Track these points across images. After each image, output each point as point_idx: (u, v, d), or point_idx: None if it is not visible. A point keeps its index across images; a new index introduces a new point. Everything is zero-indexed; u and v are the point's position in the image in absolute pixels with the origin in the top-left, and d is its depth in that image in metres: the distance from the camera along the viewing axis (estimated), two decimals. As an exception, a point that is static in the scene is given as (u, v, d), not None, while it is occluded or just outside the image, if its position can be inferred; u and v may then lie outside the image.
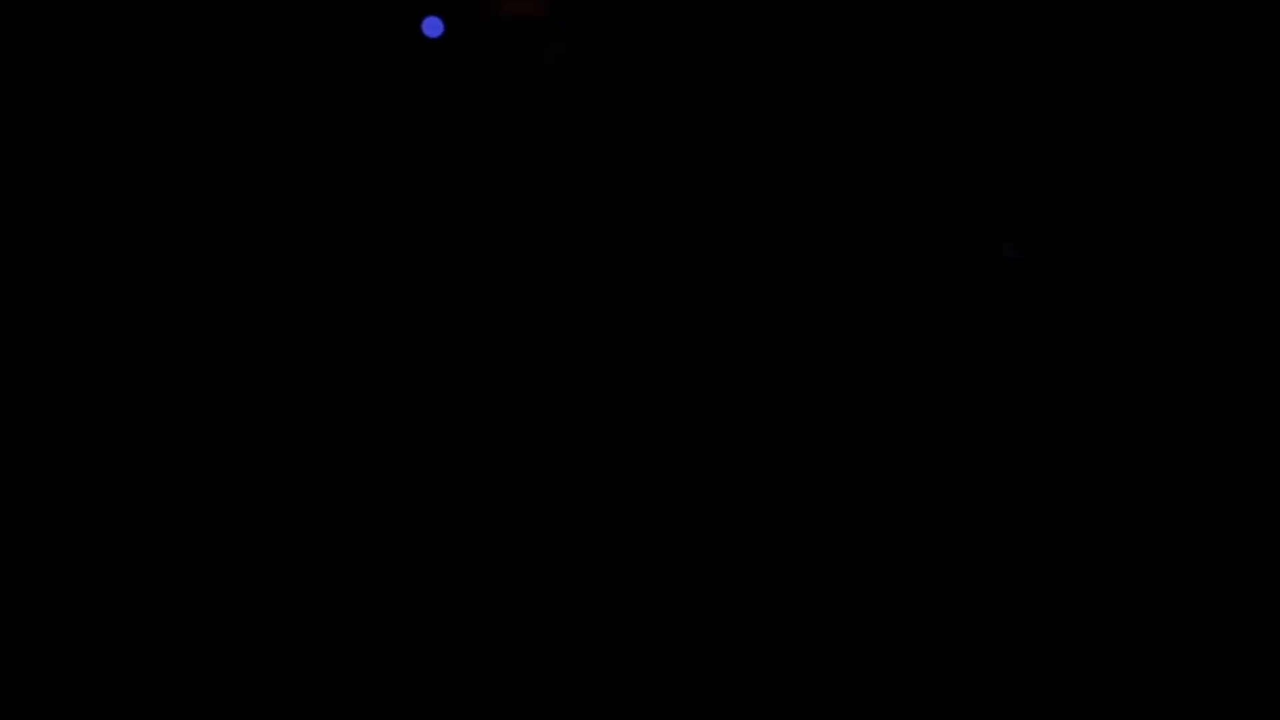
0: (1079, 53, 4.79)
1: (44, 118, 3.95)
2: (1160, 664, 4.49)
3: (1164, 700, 4.43)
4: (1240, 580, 4.58)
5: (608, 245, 4.59)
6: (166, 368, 4.09)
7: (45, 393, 4.05)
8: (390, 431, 3.92)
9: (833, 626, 4.52)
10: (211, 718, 3.69)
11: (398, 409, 3.95)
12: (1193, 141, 4.80)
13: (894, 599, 4.58)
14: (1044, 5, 4.78)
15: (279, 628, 3.67)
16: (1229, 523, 4.64)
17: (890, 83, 4.79)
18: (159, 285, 4.08)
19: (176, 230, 4.03)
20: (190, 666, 3.85)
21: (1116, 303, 4.81)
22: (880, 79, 4.78)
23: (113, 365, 4.03)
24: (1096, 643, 4.54)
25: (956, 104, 4.82)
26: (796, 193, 4.78)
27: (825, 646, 4.49)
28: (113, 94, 3.94)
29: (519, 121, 4.27)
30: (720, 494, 4.60)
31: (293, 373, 3.95)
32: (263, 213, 4.08)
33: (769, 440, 4.65)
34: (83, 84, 3.89)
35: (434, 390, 4.06)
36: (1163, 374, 4.77)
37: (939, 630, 4.52)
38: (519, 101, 4.20)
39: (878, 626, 4.53)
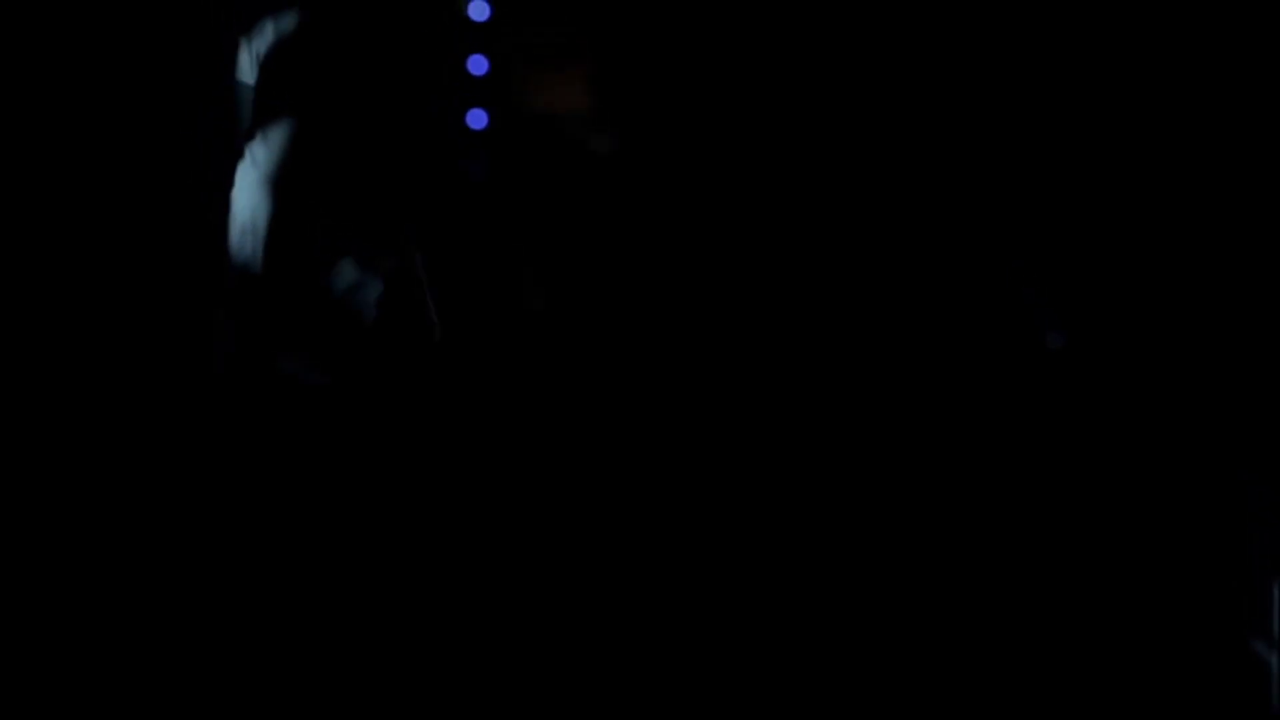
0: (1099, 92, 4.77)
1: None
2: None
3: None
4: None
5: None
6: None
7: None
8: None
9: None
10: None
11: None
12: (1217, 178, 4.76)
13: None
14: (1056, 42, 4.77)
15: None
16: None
17: (923, 129, 4.78)
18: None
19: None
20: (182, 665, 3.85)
21: (1151, 349, 4.75)
22: (914, 129, 4.78)
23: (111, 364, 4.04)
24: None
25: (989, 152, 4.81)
26: (833, 245, 4.78)
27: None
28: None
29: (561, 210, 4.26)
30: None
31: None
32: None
33: (786, 486, 4.64)
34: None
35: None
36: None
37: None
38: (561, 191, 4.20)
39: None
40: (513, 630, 3.54)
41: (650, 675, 4.16)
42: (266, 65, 2.96)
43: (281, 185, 2.96)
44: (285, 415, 3.05)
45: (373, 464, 3.08)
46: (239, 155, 3.02)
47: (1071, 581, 4.67)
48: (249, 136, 2.99)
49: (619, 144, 3.52)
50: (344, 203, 3.05)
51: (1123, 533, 4.71)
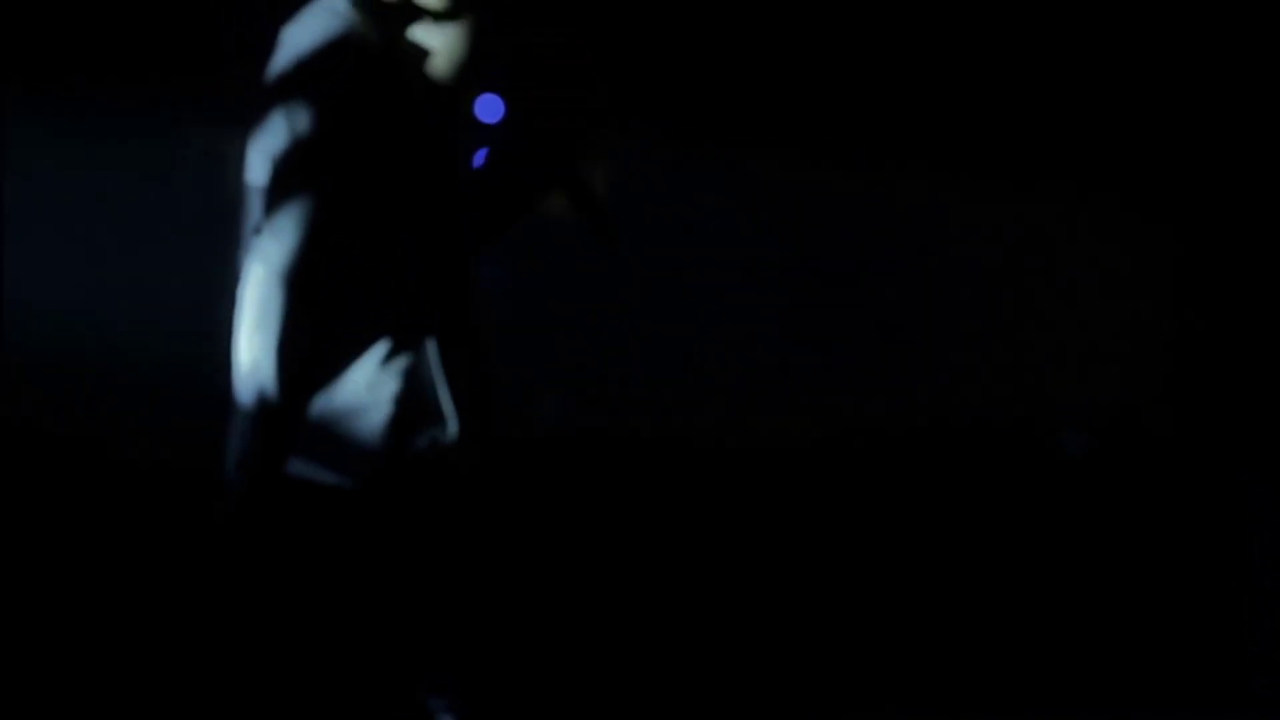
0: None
1: None
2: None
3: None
4: None
5: None
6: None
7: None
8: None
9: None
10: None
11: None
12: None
13: None
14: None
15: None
16: None
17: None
18: None
19: None
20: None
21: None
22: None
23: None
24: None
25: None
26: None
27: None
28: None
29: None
30: None
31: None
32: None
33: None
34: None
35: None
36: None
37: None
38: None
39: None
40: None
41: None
42: (280, 161, 2.83)
43: (294, 282, 2.84)
44: (298, 516, 2.96)
45: (388, 564, 2.99)
46: (244, 252, 2.91)
47: (1072, 581, 4.68)
48: (256, 232, 2.86)
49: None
50: (357, 299, 2.94)
51: (1123, 532, 4.71)
